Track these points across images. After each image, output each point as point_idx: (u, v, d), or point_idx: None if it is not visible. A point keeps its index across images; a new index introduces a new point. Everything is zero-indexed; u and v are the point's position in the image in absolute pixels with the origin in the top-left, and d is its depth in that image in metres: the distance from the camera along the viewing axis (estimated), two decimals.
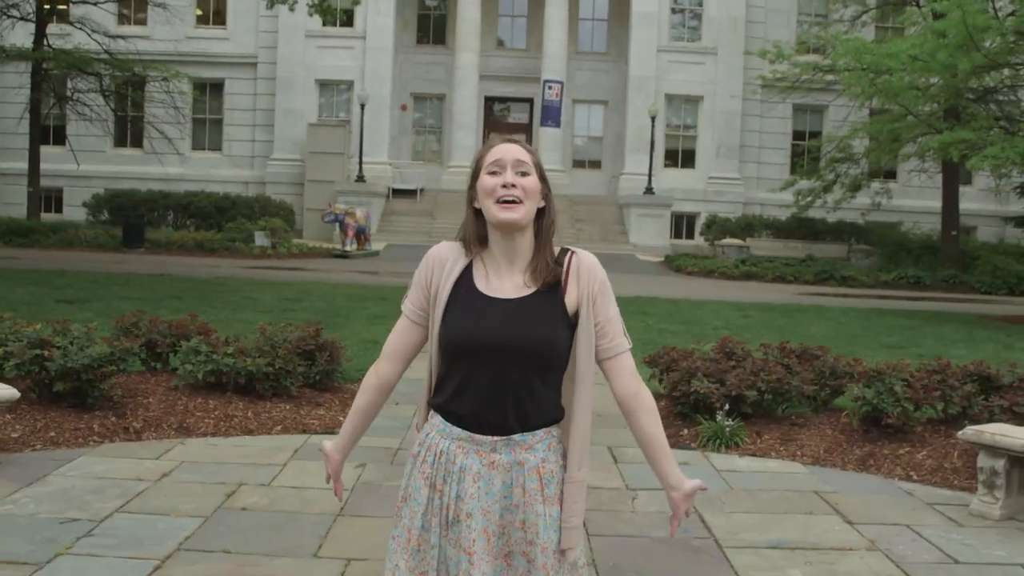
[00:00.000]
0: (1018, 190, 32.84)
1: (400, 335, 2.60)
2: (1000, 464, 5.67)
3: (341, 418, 7.49)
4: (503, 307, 2.43)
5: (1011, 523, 5.61)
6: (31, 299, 13.69)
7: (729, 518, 5.47)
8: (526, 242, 2.48)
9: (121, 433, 6.69)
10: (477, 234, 2.49)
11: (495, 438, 2.44)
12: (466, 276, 2.48)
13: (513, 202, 2.41)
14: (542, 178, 2.47)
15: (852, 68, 22.37)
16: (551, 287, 2.47)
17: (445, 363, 2.48)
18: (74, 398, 6.90)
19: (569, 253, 2.52)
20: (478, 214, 2.49)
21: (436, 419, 2.51)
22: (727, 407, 7.37)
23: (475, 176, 2.47)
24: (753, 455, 7.00)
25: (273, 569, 4.40)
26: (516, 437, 2.44)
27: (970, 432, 5.90)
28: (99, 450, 6.32)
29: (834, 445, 7.15)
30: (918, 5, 26.52)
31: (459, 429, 2.45)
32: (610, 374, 2.54)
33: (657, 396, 8.27)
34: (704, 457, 6.89)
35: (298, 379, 7.88)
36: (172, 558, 4.47)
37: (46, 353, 6.74)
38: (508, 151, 2.45)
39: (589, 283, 2.49)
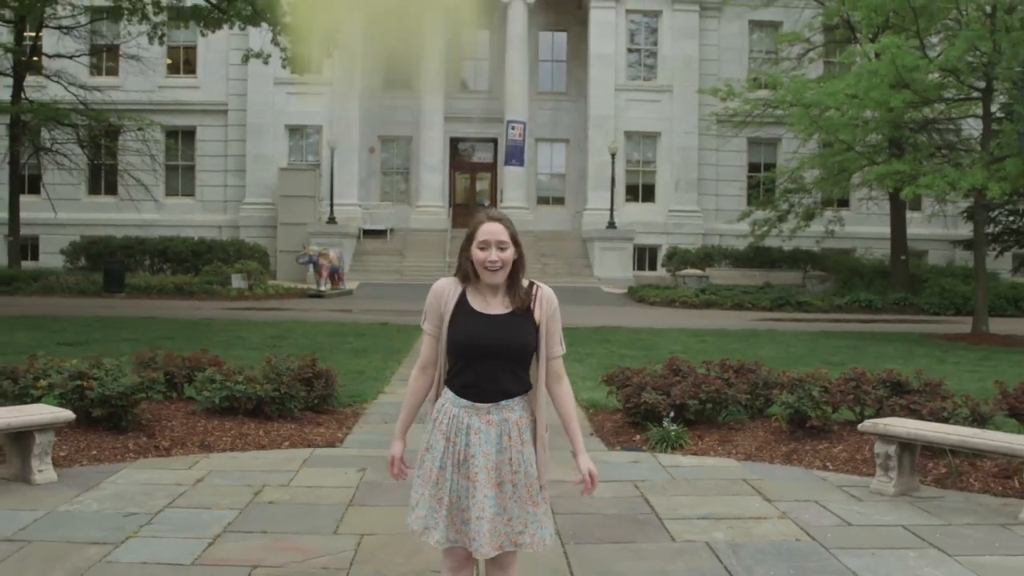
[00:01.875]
0: (964, 215, 34.33)
1: (430, 348, 3.75)
2: (892, 449, 6.89)
3: (339, 434, 8.66)
4: (493, 320, 3.61)
5: (903, 498, 6.82)
6: (34, 343, 14.58)
7: (670, 499, 6.65)
8: (503, 281, 3.64)
9: (153, 450, 7.78)
10: (470, 273, 3.65)
11: (489, 404, 3.62)
12: (463, 300, 3.66)
13: (497, 270, 3.58)
14: (515, 243, 3.64)
15: (796, 105, 23.69)
16: (525, 310, 3.65)
17: (453, 358, 3.65)
18: (109, 422, 7.99)
19: (535, 286, 3.73)
20: (470, 261, 3.64)
21: (449, 394, 3.67)
22: (672, 415, 8.56)
23: (469, 240, 3.64)
24: (694, 454, 8.18)
25: (303, 543, 5.52)
26: (503, 403, 3.63)
27: (868, 424, 7.12)
28: (137, 464, 7.41)
29: (764, 444, 8.35)
30: (859, 44, 27.93)
31: (465, 400, 3.63)
32: (545, 369, 3.73)
33: (613, 409, 9.51)
34: (653, 457, 8.06)
35: (300, 402, 9.00)
36: (221, 537, 5.59)
37: (85, 384, 7.82)
38: (493, 232, 3.60)
39: (547, 308, 3.72)
